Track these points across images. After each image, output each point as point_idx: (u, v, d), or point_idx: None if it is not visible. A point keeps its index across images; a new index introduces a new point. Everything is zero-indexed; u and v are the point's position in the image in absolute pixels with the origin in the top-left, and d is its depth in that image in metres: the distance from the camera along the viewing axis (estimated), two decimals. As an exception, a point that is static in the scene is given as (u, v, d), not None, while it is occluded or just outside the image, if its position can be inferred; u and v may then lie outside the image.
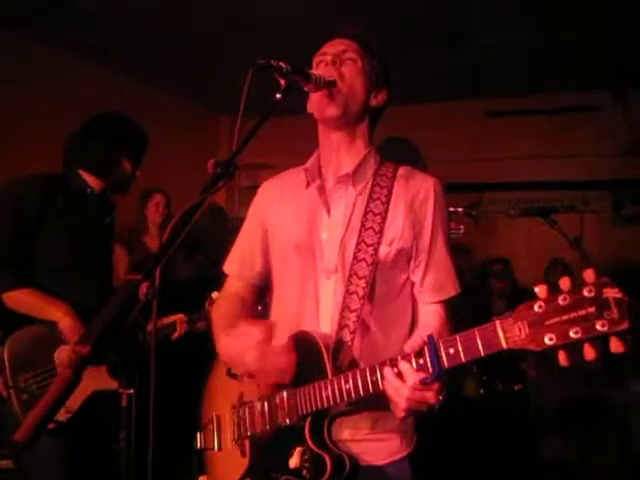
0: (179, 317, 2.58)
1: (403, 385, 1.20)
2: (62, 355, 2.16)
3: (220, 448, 1.58)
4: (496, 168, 5.43)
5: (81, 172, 2.38)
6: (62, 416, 2.07)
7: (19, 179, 2.29)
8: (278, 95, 1.33)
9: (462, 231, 2.89)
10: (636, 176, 5.12)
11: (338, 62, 1.50)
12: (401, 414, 1.26)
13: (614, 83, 4.95)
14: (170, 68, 4.90)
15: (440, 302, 1.52)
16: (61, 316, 2.15)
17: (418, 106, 5.41)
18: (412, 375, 1.19)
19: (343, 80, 1.48)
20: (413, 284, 1.53)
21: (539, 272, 4.65)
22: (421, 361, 1.19)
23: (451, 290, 1.53)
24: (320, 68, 1.51)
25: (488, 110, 5.51)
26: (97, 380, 2.09)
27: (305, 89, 1.45)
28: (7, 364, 2.09)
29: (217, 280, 1.79)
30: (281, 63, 1.34)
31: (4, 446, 2.35)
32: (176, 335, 2.53)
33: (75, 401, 2.10)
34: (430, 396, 1.21)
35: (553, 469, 3.65)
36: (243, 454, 1.53)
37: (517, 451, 3.62)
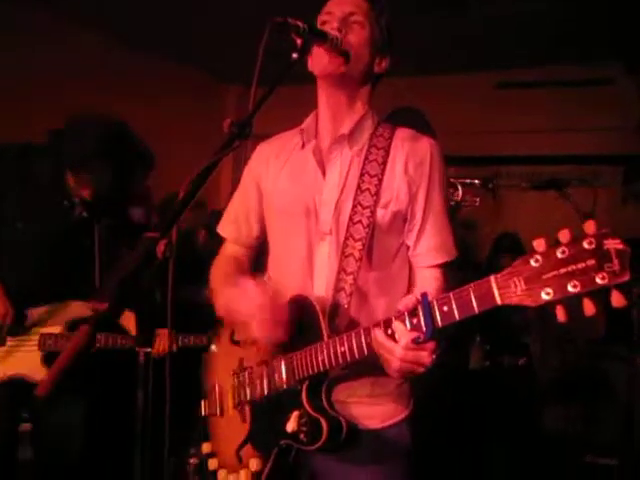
0: (162, 332, 2.43)
1: (395, 345, 1.19)
2: None
3: (222, 414, 1.59)
4: (506, 141, 5.36)
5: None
6: None
7: None
8: (294, 55, 1.31)
9: (477, 203, 2.85)
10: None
11: (344, 29, 1.44)
12: (395, 375, 1.25)
13: (627, 56, 4.86)
14: (178, 36, 4.82)
15: (437, 266, 1.49)
16: None
17: (430, 78, 5.33)
18: (405, 335, 1.17)
19: (350, 48, 1.44)
20: (408, 248, 1.51)
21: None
22: (415, 320, 1.17)
23: (448, 254, 1.50)
24: (326, 29, 1.44)
25: (500, 82, 5.43)
26: (22, 366, 2.21)
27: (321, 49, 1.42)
28: None
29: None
30: (298, 22, 1.31)
31: None
32: (155, 350, 2.05)
33: None
34: (424, 356, 1.19)
35: (555, 442, 3.68)
36: (244, 419, 1.53)
37: (519, 423, 3.65)
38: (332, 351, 1.31)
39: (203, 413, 1.63)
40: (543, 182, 3.75)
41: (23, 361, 2.24)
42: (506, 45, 4.69)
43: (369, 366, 1.34)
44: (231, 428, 1.55)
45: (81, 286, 2.35)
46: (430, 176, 1.47)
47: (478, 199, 2.90)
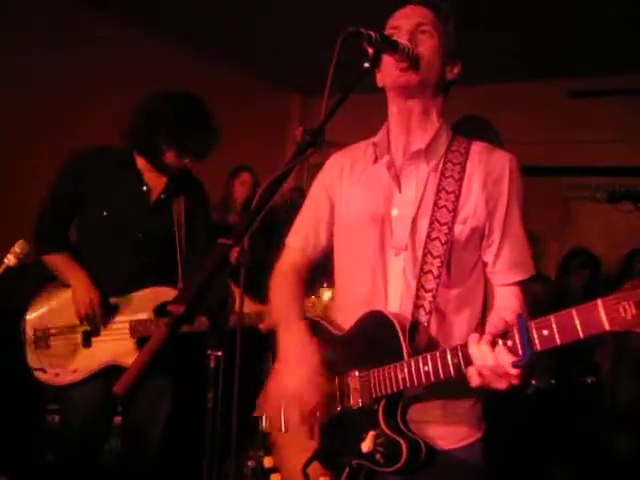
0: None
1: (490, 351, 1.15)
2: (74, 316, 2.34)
3: (287, 430, 1.52)
4: (579, 151, 5.18)
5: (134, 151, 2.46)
6: (70, 376, 2.30)
7: (74, 154, 2.44)
8: (366, 64, 1.31)
9: None
10: None
11: (414, 41, 1.43)
12: (476, 382, 1.21)
13: None
14: (240, 45, 4.92)
15: (516, 284, 1.46)
16: (72, 281, 2.35)
17: (498, 86, 5.23)
18: (504, 356, 1.13)
19: (422, 59, 1.42)
20: (485, 265, 1.48)
21: (615, 262, 4.42)
22: (509, 343, 1.13)
23: (527, 271, 1.47)
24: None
25: (572, 90, 5.25)
26: (118, 354, 2.30)
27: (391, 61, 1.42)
28: (29, 314, 2.35)
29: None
30: (370, 31, 1.31)
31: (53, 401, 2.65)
32: (264, 326, 2.40)
33: (90, 367, 2.32)
34: (514, 372, 1.14)
35: (628, 468, 3.50)
36: (311, 436, 1.50)
37: (588, 447, 3.50)
38: (414, 370, 1.28)
39: (264, 428, 1.58)
40: (619, 194, 3.58)
41: (117, 349, 2.34)
42: (579, 52, 4.55)
43: (442, 386, 1.31)
44: (296, 444, 1.52)
45: (164, 269, 2.43)
46: (509, 192, 1.45)
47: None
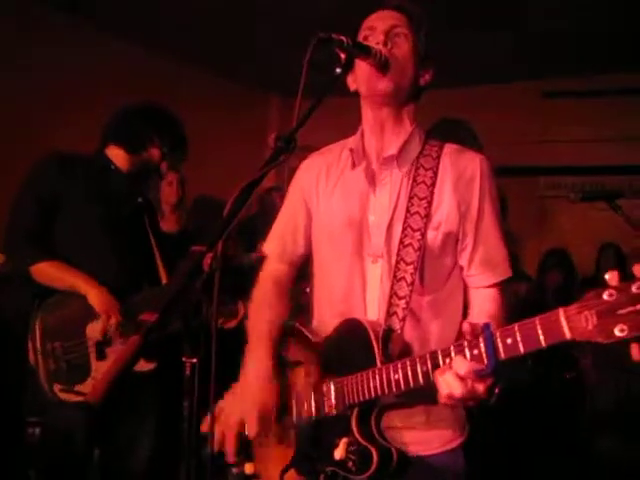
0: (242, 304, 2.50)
1: (455, 379, 1.14)
2: (93, 330, 2.20)
3: (267, 437, 1.53)
4: (554, 151, 5.25)
5: (110, 148, 2.42)
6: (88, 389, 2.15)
7: (42, 158, 2.36)
8: (338, 69, 1.32)
9: None
10: None
11: (390, 42, 1.44)
12: (443, 401, 1.21)
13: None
14: (218, 48, 4.91)
15: (492, 286, 1.45)
16: (87, 288, 2.19)
17: (475, 88, 5.29)
18: (464, 365, 1.12)
19: (396, 62, 1.43)
20: (461, 269, 1.47)
21: (592, 260, 4.49)
22: (475, 351, 1.12)
23: (503, 272, 1.45)
24: (369, 43, 1.44)
25: (547, 91, 5.33)
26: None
27: (365, 63, 1.43)
28: (38, 331, 2.18)
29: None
30: (342, 37, 1.32)
31: (33, 413, 2.49)
32: (233, 324, 2.47)
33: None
34: (481, 389, 1.15)
35: (609, 466, 3.54)
36: (288, 444, 1.50)
37: (570, 445, 3.54)
38: (385, 378, 1.27)
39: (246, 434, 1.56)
40: (593, 193, 3.63)
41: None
42: (553, 53, 4.61)
43: (424, 393, 1.28)
44: (275, 451, 1.52)
45: (146, 271, 2.40)
46: (480, 193, 1.44)
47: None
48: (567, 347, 3.89)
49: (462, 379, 1.13)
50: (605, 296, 0.91)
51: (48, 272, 2.24)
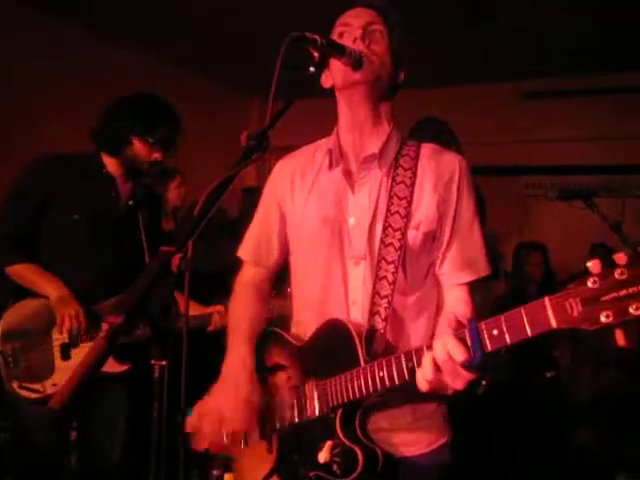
0: (218, 309, 2.48)
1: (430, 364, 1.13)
2: (59, 331, 2.24)
3: (246, 444, 1.50)
4: (534, 151, 5.29)
5: (101, 154, 2.41)
6: (50, 389, 2.20)
7: (34, 159, 2.35)
8: (312, 69, 1.31)
9: None
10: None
11: (367, 38, 1.43)
12: (421, 387, 1.18)
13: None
14: (200, 50, 4.89)
15: (464, 285, 1.46)
16: (51, 292, 2.24)
17: (454, 88, 5.31)
18: (459, 353, 1.09)
19: (375, 57, 1.43)
20: (434, 265, 1.47)
21: (574, 259, 4.53)
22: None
23: (478, 271, 1.46)
24: (345, 40, 1.44)
25: (527, 92, 5.37)
26: None
27: (340, 62, 1.42)
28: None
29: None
30: (315, 36, 1.31)
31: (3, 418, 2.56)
32: (212, 327, 2.44)
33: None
34: (462, 375, 1.12)
35: (585, 459, 3.58)
36: (270, 450, 1.47)
37: (548, 441, 3.57)
38: (370, 377, 1.26)
39: (225, 442, 1.51)
40: (570, 192, 3.67)
41: None
42: (533, 55, 4.65)
43: (409, 393, 1.26)
44: (256, 459, 1.50)
45: (133, 275, 2.36)
46: (458, 192, 1.44)
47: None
48: (548, 347, 3.93)
49: (437, 365, 1.12)
50: (589, 283, 0.92)
51: (22, 274, 2.28)
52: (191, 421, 1.45)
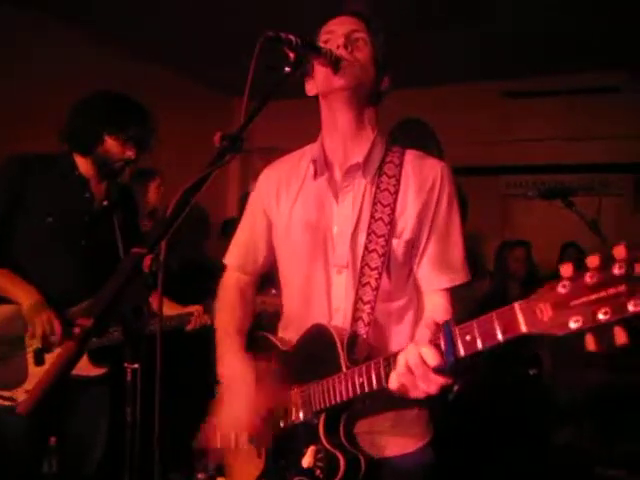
0: (196, 309, 2.49)
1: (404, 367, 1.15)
2: (32, 337, 2.21)
3: (237, 447, 1.52)
4: (514, 150, 5.34)
5: (73, 154, 2.37)
6: (23, 396, 2.15)
7: (4, 160, 2.30)
8: (287, 68, 1.30)
9: None
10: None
11: (350, 46, 1.45)
12: (394, 389, 1.20)
13: (632, 63, 4.82)
14: (181, 50, 4.86)
15: (443, 290, 1.46)
16: (22, 298, 2.20)
17: (435, 88, 5.34)
18: (433, 358, 1.10)
19: (358, 63, 1.44)
20: (413, 270, 1.49)
21: (555, 257, 4.59)
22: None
23: (458, 277, 1.47)
24: (329, 46, 1.44)
25: (506, 91, 5.41)
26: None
27: (314, 63, 1.43)
28: None
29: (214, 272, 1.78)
30: (290, 36, 1.31)
31: None
32: (190, 327, 2.45)
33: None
34: (434, 380, 1.13)
35: (564, 453, 3.63)
36: (259, 455, 1.49)
37: (529, 439, 3.60)
38: (350, 382, 1.27)
39: (218, 445, 1.55)
40: (548, 191, 3.72)
41: None
42: (513, 54, 4.68)
43: (391, 398, 1.27)
44: (247, 463, 1.52)
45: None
46: (439, 198, 1.46)
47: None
48: (530, 345, 3.97)
49: (410, 368, 1.13)
50: (559, 288, 0.91)
51: None
52: (208, 435, 1.50)
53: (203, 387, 1.66)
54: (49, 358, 2.23)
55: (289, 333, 1.56)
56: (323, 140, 1.55)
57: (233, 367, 1.51)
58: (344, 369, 1.31)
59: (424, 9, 3.93)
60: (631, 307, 0.82)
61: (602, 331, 0.86)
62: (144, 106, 2.38)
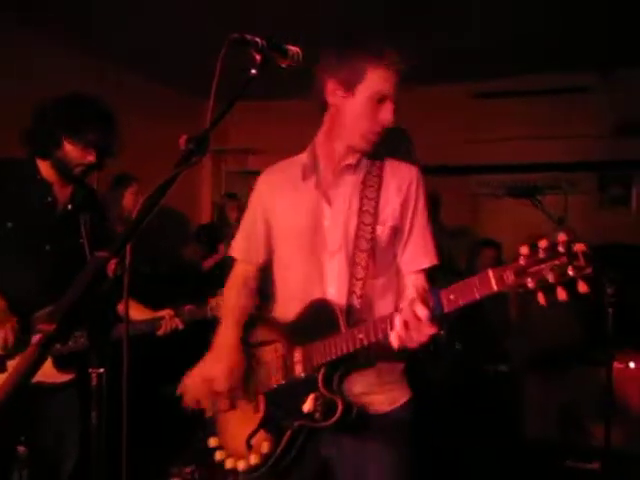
0: (167, 313, 2.46)
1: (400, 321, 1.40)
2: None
3: (234, 406, 1.74)
4: (484, 150, 5.41)
5: (35, 158, 2.33)
6: None
7: None
8: (253, 71, 1.31)
9: None
10: (622, 157, 5.13)
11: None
12: (393, 341, 1.42)
13: (600, 63, 4.94)
14: (153, 53, 4.82)
15: (421, 271, 1.74)
16: None
17: (406, 90, 5.37)
18: (424, 311, 1.36)
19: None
20: (396, 255, 1.75)
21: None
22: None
23: (432, 259, 1.75)
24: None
25: (476, 92, 5.49)
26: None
27: (282, 65, 1.44)
28: None
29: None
30: (256, 38, 1.31)
31: None
32: (161, 332, 2.41)
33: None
34: (426, 328, 1.37)
35: (535, 447, 3.69)
36: (257, 410, 1.72)
37: (499, 432, 3.66)
38: (350, 338, 1.52)
39: (211, 413, 1.78)
40: (516, 190, 3.80)
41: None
42: (481, 56, 4.74)
43: (380, 357, 1.61)
44: (242, 420, 1.73)
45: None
46: (416, 196, 1.74)
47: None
48: (500, 342, 4.03)
49: (405, 323, 1.38)
50: (520, 261, 1.24)
51: None
52: (183, 382, 1.71)
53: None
54: (11, 365, 2.19)
55: (285, 315, 1.76)
56: (320, 145, 1.75)
57: (223, 334, 1.76)
58: (343, 330, 1.55)
59: (392, 12, 3.97)
60: (570, 272, 1.16)
61: (549, 290, 1.19)
62: (107, 111, 2.34)
